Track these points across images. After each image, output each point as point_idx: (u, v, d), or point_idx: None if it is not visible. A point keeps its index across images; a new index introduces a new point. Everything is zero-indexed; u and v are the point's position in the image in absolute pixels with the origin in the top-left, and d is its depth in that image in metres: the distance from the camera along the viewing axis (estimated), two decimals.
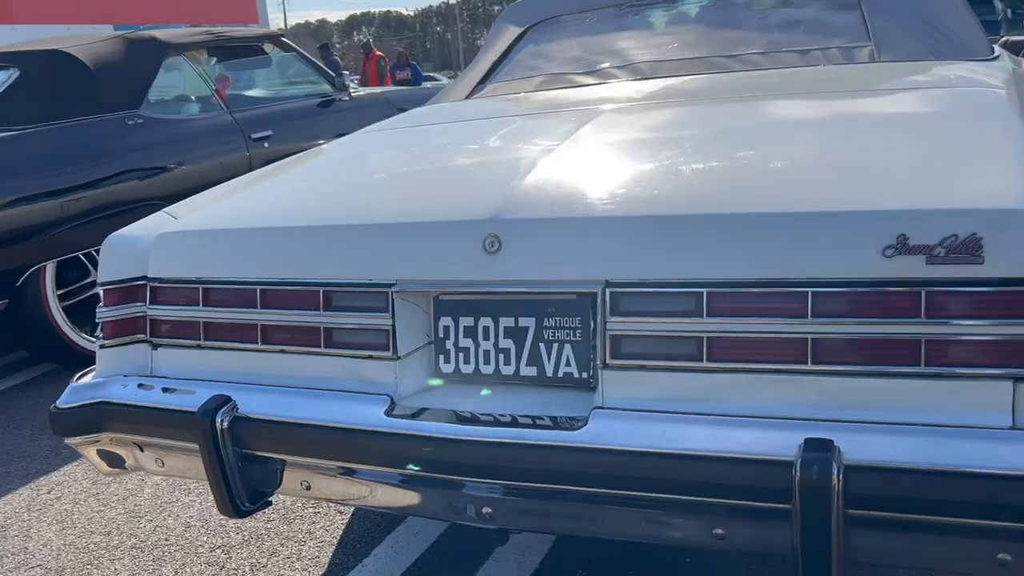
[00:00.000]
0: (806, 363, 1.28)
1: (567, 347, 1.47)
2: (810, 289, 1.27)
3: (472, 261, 1.47)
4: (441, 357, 1.57)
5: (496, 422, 1.44)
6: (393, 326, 1.55)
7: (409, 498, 1.53)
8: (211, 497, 1.75)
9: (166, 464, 1.76)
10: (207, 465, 1.61)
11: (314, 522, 2.40)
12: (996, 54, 2.20)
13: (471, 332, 1.54)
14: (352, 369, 1.59)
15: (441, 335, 1.56)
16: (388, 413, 1.51)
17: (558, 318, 1.47)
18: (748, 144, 1.62)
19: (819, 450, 1.20)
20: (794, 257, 1.28)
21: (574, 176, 1.57)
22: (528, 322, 1.49)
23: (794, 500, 1.21)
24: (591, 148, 1.71)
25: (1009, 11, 11.90)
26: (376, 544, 2.27)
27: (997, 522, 1.17)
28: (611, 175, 1.56)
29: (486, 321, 1.53)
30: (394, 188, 1.75)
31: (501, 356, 1.52)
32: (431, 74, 24.09)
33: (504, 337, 1.51)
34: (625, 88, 2.22)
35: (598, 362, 1.41)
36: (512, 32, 2.81)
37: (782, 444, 1.24)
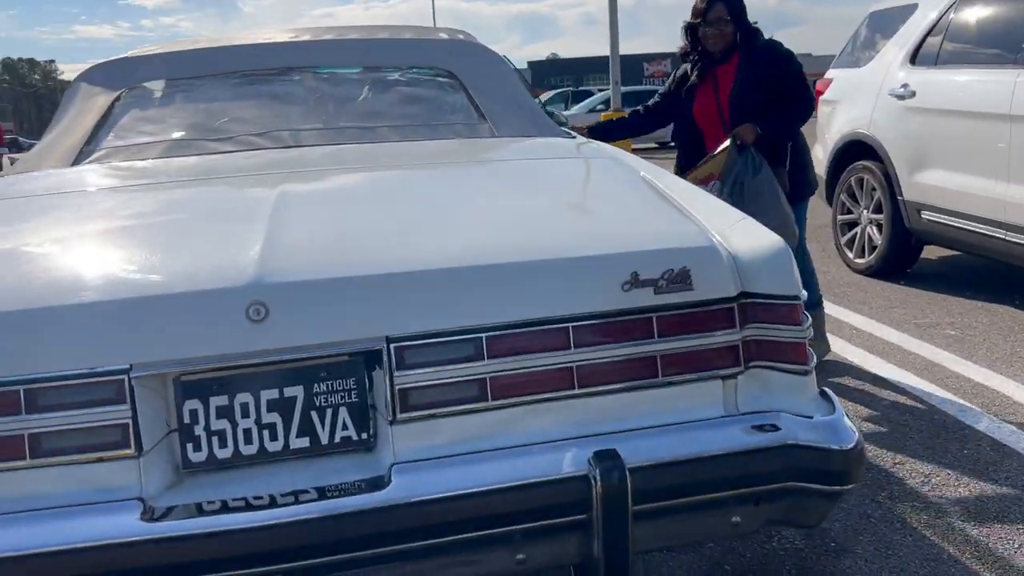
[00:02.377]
0: (574, 388, 1.47)
1: (342, 411, 1.44)
2: (570, 324, 1.46)
3: (233, 332, 1.36)
4: (190, 446, 1.40)
5: (282, 501, 1.35)
6: (134, 417, 1.34)
7: None
8: None
9: None
10: None
11: None
12: (571, 132, 2.70)
13: (226, 412, 1.41)
14: (80, 477, 1.33)
15: (188, 420, 1.40)
16: (145, 518, 1.30)
17: (330, 382, 1.43)
18: (475, 204, 1.77)
19: (610, 459, 1.39)
20: (555, 297, 1.46)
21: (318, 237, 1.55)
22: (295, 391, 1.43)
23: (595, 507, 1.37)
24: (311, 211, 1.69)
25: None
26: None
27: (728, 492, 1.49)
28: (352, 234, 1.58)
29: (244, 397, 1.41)
30: (94, 263, 1.50)
31: (266, 432, 1.42)
32: None
33: (268, 411, 1.42)
34: (284, 155, 2.20)
35: (385, 419, 1.41)
36: (105, 95, 2.55)
37: (571, 461, 1.40)
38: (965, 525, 2.32)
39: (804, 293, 1.57)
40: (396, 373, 1.41)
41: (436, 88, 2.70)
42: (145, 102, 2.56)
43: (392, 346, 1.41)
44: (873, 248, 5.06)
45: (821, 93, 5.71)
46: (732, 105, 3.22)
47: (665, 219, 1.68)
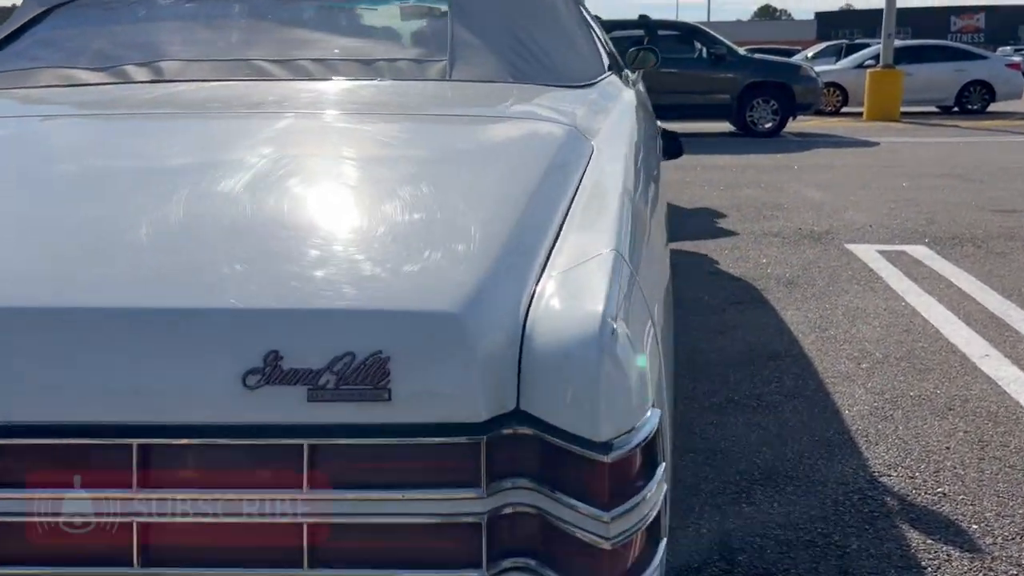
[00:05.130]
0: (132, 565, 0.76)
1: None
2: (134, 442, 0.75)
3: None
4: None
5: None
6: None
7: None
8: None
9: None
10: None
11: None
12: (594, 80, 1.89)
13: None
14: None
15: None
16: None
17: None
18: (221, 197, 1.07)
19: None
20: (121, 393, 0.76)
21: None
22: None
23: None
24: None
25: (704, 50, 12.92)
26: None
27: None
28: None
29: None
30: None
31: None
32: None
33: None
34: (128, 92, 1.67)
35: None
36: (30, 11, 2.15)
37: None
38: None
39: (637, 436, 0.73)
40: None
41: (416, 14, 2.02)
42: (61, 21, 2.11)
43: None
44: None
45: None
46: None
47: (435, 255, 0.88)
